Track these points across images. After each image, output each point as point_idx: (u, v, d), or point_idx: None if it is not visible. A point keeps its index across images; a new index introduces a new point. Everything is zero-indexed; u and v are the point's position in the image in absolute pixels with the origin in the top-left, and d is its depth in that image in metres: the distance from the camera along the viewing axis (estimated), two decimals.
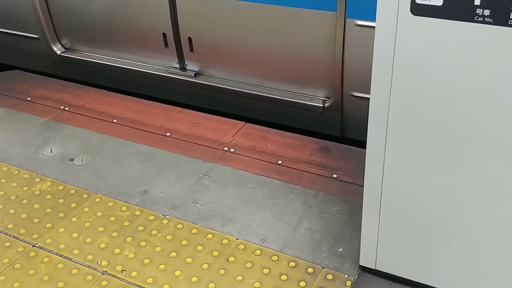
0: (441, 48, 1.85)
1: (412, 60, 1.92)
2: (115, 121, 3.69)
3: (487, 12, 1.72)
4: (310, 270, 2.51)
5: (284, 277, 2.48)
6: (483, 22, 1.74)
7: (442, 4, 1.78)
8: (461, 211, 2.10)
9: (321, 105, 3.42)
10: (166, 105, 3.87)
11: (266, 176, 3.11)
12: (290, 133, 3.51)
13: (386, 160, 2.14)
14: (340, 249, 2.61)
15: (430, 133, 2.01)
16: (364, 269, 2.48)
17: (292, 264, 2.55)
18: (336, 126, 3.48)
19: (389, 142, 2.10)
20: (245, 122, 3.63)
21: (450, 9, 1.78)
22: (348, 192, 2.97)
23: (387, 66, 1.97)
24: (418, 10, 1.82)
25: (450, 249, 2.21)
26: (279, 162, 3.22)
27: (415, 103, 1.99)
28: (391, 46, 1.93)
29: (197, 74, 3.82)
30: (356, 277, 2.47)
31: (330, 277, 2.47)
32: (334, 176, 3.09)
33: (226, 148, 3.37)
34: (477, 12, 1.74)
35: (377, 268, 2.43)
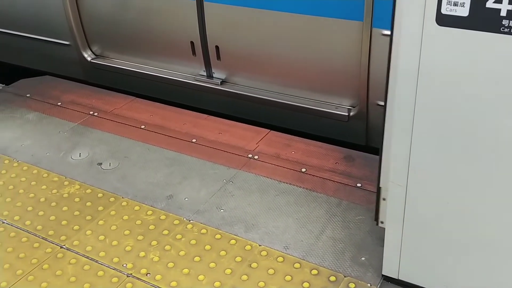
0: (466, 59, 1.85)
1: (437, 70, 1.92)
2: (142, 127, 3.76)
3: None
4: (332, 278, 2.51)
5: (306, 284, 2.49)
6: (509, 33, 1.74)
7: (468, 15, 1.79)
8: (486, 222, 2.09)
9: (346, 114, 3.43)
10: (192, 112, 3.92)
11: (290, 184, 3.13)
12: (314, 141, 3.52)
13: (410, 169, 2.14)
14: (363, 258, 2.61)
15: (455, 144, 2.01)
16: (387, 279, 2.48)
17: (314, 272, 2.55)
18: (361, 135, 3.48)
19: (414, 151, 2.10)
20: (269, 130, 3.66)
21: (476, 20, 1.78)
22: (372, 202, 2.96)
23: (412, 75, 1.97)
24: (443, 20, 1.83)
25: (473, 260, 2.19)
26: (303, 170, 3.24)
27: (440, 113, 1.99)
28: (416, 56, 1.93)
29: (223, 82, 3.87)
30: (378, 286, 2.47)
31: (352, 285, 2.47)
32: (358, 185, 3.09)
33: (250, 155, 3.40)
34: (503, 23, 1.74)
35: (399, 278, 2.42)
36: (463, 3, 1.78)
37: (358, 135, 3.49)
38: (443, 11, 1.82)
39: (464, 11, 1.79)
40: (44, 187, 3.21)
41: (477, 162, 1.99)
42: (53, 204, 3.07)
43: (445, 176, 2.09)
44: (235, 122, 3.78)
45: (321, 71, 3.44)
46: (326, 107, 3.51)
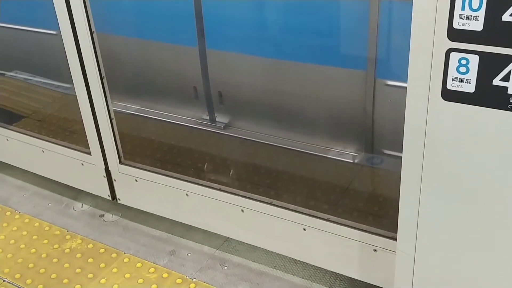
0: (472, 134, 1.81)
1: (443, 142, 1.88)
2: None
3: None
4: None
5: None
6: None
7: (474, 91, 1.75)
8: None
9: (351, 161, 3.40)
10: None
11: None
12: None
13: (418, 239, 2.09)
14: None
15: (463, 215, 1.96)
16: None
17: None
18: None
19: (421, 221, 2.06)
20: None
21: (483, 96, 1.74)
22: None
23: (419, 145, 1.94)
24: (449, 96, 1.79)
25: None
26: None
27: (448, 183, 1.94)
28: (422, 128, 1.90)
29: (226, 126, 3.84)
30: None
31: None
32: None
33: None
34: (511, 100, 1.70)
35: None
36: (469, 80, 1.75)
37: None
38: (449, 86, 1.78)
39: (470, 88, 1.75)
40: (45, 241, 3.17)
41: (487, 237, 1.94)
42: (55, 260, 3.03)
43: (455, 247, 2.04)
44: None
45: (326, 117, 3.42)
46: (330, 153, 3.48)
